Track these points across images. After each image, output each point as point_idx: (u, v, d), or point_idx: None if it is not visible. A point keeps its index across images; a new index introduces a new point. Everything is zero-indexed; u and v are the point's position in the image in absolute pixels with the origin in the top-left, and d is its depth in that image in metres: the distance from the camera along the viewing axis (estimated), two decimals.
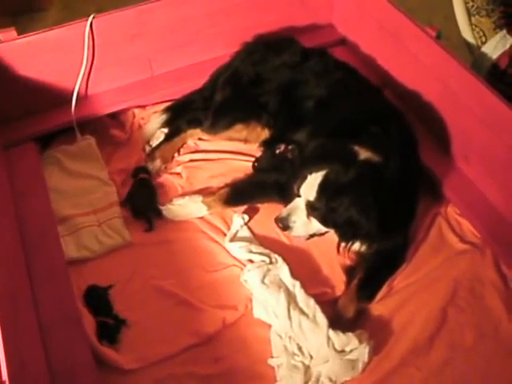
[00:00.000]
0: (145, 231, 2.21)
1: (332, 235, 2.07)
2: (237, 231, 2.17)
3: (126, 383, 1.81)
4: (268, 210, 2.26)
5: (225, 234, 2.18)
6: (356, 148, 1.92)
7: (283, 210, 1.99)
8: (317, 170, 1.88)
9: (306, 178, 1.91)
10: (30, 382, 1.59)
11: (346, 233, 1.96)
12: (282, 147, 2.35)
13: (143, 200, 2.28)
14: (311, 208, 1.92)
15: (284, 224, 1.97)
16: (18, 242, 2.01)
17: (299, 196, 1.95)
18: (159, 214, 2.24)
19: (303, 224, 1.96)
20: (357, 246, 2.03)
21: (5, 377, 1.41)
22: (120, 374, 1.81)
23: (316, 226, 1.96)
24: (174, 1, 2.46)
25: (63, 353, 1.76)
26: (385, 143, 1.97)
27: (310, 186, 1.89)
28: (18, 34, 2.23)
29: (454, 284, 2.06)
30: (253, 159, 2.42)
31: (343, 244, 1.99)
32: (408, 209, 2.07)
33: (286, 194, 2.13)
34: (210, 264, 2.12)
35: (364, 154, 1.90)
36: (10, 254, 1.93)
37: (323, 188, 1.87)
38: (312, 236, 2.04)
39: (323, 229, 1.98)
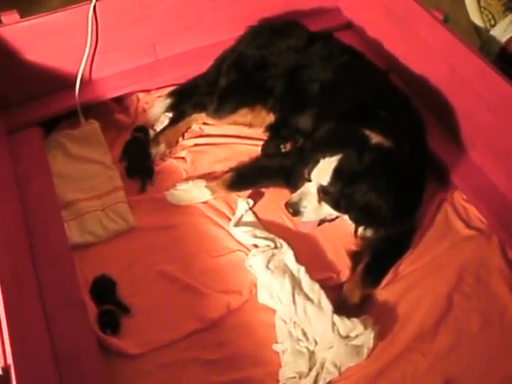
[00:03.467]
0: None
1: (338, 220, 2.07)
2: (241, 216, 2.16)
3: (130, 368, 1.81)
4: (273, 195, 2.25)
5: (229, 219, 2.17)
6: (367, 132, 1.89)
7: (293, 195, 1.96)
8: (330, 155, 1.85)
9: (318, 162, 1.88)
10: (35, 366, 1.59)
11: (362, 218, 1.94)
12: (288, 145, 2.35)
13: (136, 160, 2.32)
14: (324, 193, 1.89)
15: (294, 209, 1.94)
16: (22, 227, 2.01)
17: (309, 181, 1.93)
18: (151, 175, 2.28)
19: (314, 209, 1.93)
20: (367, 231, 2.03)
21: (10, 361, 1.41)
22: (124, 359, 1.82)
23: (327, 210, 1.93)
24: None
25: (67, 338, 1.76)
26: (394, 128, 1.95)
27: (323, 170, 1.86)
28: (21, 17, 2.21)
29: (459, 270, 2.05)
30: (258, 143, 2.40)
31: (356, 229, 1.98)
32: (415, 195, 2.05)
33: (291, 179, 2.13)
34: (214, 249, 2.11)
35: (375, 138, 1.88)
36: (13, 239, 1.93)
37: (338, 173, 1.84)
38: (321, 222, 2.02)
39: (334, 214, 1.96)
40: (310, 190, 1.92)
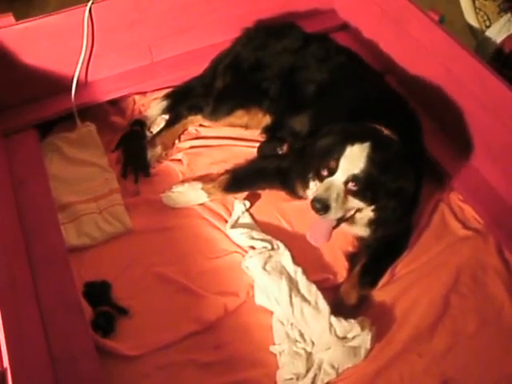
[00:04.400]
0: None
1: None
2: (238, 218, 2.16)
3: (128, 371, 1.80)
4: (269, 197, 2.25)
5: (226, 221, 2.17)
6: (376, 126, 1.88)
7: (317, 190, 1.83)
8: (359, 142, 1.79)
9: (343, 150, 1.79)
10: (31, 369, 1.59)
11: (389, 206, 1.87)
12: (285, 147, 2.34)
13: (131, 153, 2.34)
14: (355, 182, 1.78)
15: (323, 204, 1.77)
16: (18, 230, 2.00)
17: (329, 175, 1.81)
18: (146, 170, 2.31)
19: (342, 203, 1.80)
20: (363, 231, 2.02)
21: (6, 364, 1.41)
22: (121, 361, 1.81)
23: (352, 204, 1.83)
24: None
25: (64, 340, 1.76)
26: (392, 127, 1.93)
27: (354, 157, 1.78)
28: (16, 20, 2.21)
29: (456, 270, 2.05)
30: (254, 145, 2.40)
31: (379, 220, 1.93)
32: (413, 195, 2.04)
33: (287, 181, 2.13)
34: (211, 251, 2.11)
35: (385, 131, 1.88)
36: (10, 241, 1.93)
37: (372, 159, 1.78)
38: (337, 225, 1.89)
39: (361, 206, 1.85)
40: (335, 182, 1.80)
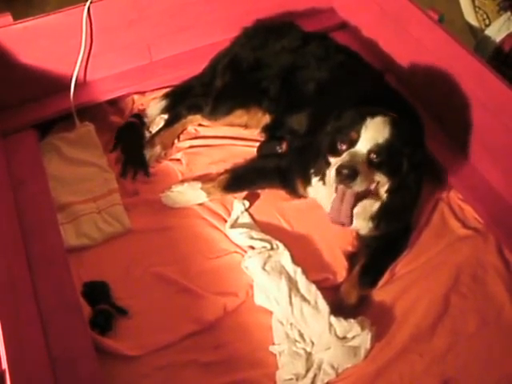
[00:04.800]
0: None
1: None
2: (237, 217, 2.15)
3: (127, 371, 1.80)
4: (269, 196, 2.25)
5: (225, 221, 2.17)
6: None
7: (340, 161, 1.77)
8: (379, 115, 1.80)
9: (363, 121, 1.78)
10: (30, 370, 1.58)
11: (410, 180, 1.86)
12: (284, 146, 2.34)
13: (129, 152, 2.37)
14: (380, 152, 1.76)
15: (351, 170, 1.72)
16: (18, 230, 2.00)
17: (349, 148, 1.79)
18: (146, 169, 2.32)
19: (366, 174, 1.76)
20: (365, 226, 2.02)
21: (4, 365, 1.40)
22: (120, 361, 1.81)
23: (374, 177, 1.80)
24: None
25: (63, 340, 1.75)
26: None
27: (377, 128, 1.77)
28: (14, 20, 2.21)
29: (456, 270, 2.04)
30: (254, 144, 2.40)
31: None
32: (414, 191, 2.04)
33: (287, 180, 2.12)
34: (210, 251, 2.11)
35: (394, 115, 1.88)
36: (9, 242, 1.93)
37: (396, 131, 1.77)
38: (360, 200, 1.84)
39: (383, 180, 1.82)
40: (358, 152, 1.77)
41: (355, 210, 1.86)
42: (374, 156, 1.78)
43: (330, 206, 1.89)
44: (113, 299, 1.95)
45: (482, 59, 2.15)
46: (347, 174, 1.72)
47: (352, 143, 1.79)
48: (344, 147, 1.81)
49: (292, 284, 1.94)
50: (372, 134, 1.77)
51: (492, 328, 1.91)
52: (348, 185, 1.76)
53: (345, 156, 1.78)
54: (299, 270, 1.98)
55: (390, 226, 2.01)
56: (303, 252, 2.08)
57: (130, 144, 2.40)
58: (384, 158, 1.78)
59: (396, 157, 1.80)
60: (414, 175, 1.87)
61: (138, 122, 2.47)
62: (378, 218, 1.96)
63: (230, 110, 2.38)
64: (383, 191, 1.89)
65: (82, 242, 2.10)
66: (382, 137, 1.77)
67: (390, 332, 1.89)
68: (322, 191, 2.04)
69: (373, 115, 1.80)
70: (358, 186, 1.77)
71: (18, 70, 2.31)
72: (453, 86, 2.25)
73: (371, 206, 1.92)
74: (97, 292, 1.95)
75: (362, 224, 2.01)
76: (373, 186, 1.84)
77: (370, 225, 2.00)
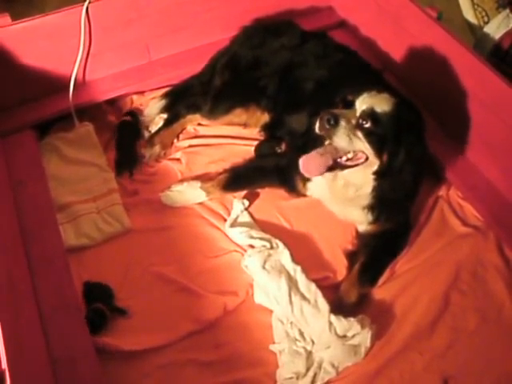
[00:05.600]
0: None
1: (333, 220, 2.06)
2: (237, 216, 2.15)
3: (127, 370, 1.80)
4: (268, 195, 2.24)
5: (225, 220, 2.17)
6: None
7: (330, 110, 1.79)
8: (380, 92, 1.82)
9: (368, 91, 1.82)
10: (30, 370, 1.59)
11: (405, 170, 1.84)
12: (283, 146, 2.34)
13: (121, 147, 2.38)
14: (373, 120, 1.76)
15: (335, 119, 1.74)
16: (17, 231, 2.00)
17: (347, 107, 1.82)
18: (132, 165, 2.33)
19: (350, 131, 1.76)
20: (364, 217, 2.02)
21: (4, 366, 1.40)
22: (121, 361, 1.81)
23: (358, 143, 1.79)
24: None
25: (63, 340, 1.75)
26: None
27: (380, 99, 1.80)
28: (14, 20, 2.20)
29: (456, 268, 2.04)
30: (253, 143, 2.40)
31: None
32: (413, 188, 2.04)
33: (286, 178, 2.12)
34: (210, 250, 2.11)
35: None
36: (8, 242, 1.93)
37: (400, 113, 1.78)
38: (335, 167, 1.85)
39: (363, 149, 1.81)
40: (350, 111, 1.80)
41: (330, 176, 1.91)
42: (365, 122, 1.78)
43: (304, 157, 1.87)
44: (113, 301, 1.94)
45: (481, 57, 2.15)
46: (328, 119, 1.74)
47: (348, 104, 1.81)
48: (340, 106, 1.83)
49: (292, 283, 1.94)
50: (370, 100, 1.79)
51: (492, 326, 1.91)
52: (328, 133, 1.77)
53: (336, 110, 1.80)
54: (299, 268, 1.98)
55: (388, 219, 2.00)
56: (303, 251, 2.07)
57: (122, 142, 2.41)
58: (375, 128, 1.78)
59: (390, 135, 1.78)
60: (410, 167, 1.84)
61: (131, 119, 2.46)
62: (374, 208, 1.96)
63: (229, 109, 2.38)
64: (370, 171, 1.86)
65: (82, 241, 2.10)
66: (381, 108, 1.78)
67: (390, 330, 1.90)
68: (321, 186, 2.04)
69: (381, 92, 1.82)
70: (339, 138, 1.77)
71: (16, 70, 2.30)
72: (452, 83, 2.25)
73: (361, 187, 1.92)
74: (96, 292, 1.95)
75: (359, 214, 2.01)
76: (360, 157, 1.83)
77: (369, 217, 2.00)
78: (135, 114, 2.49)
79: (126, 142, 2.41)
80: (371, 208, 1.97)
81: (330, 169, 1.84)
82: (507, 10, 2.51)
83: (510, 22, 2.49)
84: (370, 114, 1.78)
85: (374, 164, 1.84)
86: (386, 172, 1.84)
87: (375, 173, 1.86)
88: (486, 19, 2.58)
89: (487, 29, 2.57)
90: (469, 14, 2.63)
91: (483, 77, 2.09)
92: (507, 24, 2.49)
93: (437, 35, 2.25)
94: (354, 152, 1.82)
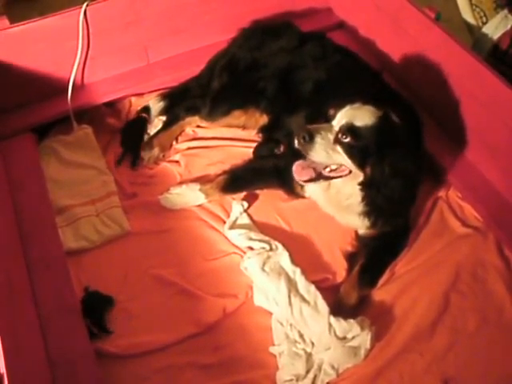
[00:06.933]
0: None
1: (332, 222, 2.06)
2: (236, 218, 2.15)
3: (126, 373, 1.80)
4: (267, 197, 2.24)
5: (224, 222, 2.16)
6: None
7: (309, 126, 1.82)
8: (373, 106, 1.79)
9: (352, 102, 1.80)
10: (29, 373, 1.58)
11: (390, 185, 1.82)
12: (282, 147, 2.33)
13: (130, 138, 2.41)
14: (352, 134, 1.76)
15: (310, 135, 1.76)
16: (16, 234, 2.00)
17: (328, 121, 1.82)
18: (137, 156, 2.36)
19: (327, 146, 1.78)
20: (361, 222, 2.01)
21: (2, 369, 1.40)
22: (120, 364, 1.81)
23: (337, 157, 1.80)
24: None
25: (62, 344, 1.75)
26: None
27: (361, 113, 1.78)
28: (13, 22, 2.21)
29: (456, 269, 2.04)
30: (251, 145, 2.40)
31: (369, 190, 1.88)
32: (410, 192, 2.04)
33: (285, 180, 2.12)
34: (209, 252, 2.10)
35: (393, 116, 1.85)
36: (7, 245, 1.93)
37: (383, 125, 1.76)
38: (318, 178, 1.88)
39: (344, 163, 1.82)
40: (329, 126, 1.80)
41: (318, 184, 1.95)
42: (344, 136, 1.78)
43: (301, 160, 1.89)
44: (104, 319, 1.91)
45: (480, 57, 2.14)
46: (303, 137, 1.76)
47: (329, 119, 1.81)
48: (322, 122, 1.84)
49: (291, 285, 1.94)
50: (352, 114, 1.78)
51: (492, 327, 1.90)
52: (305, 148, 1.79)
53: (314, 125, 1.81)
54: (298, 270, 1.97)
55: (386, 223, 2.00)
56: (302, 252, 2.07)
57: (131, 135, 2.43)
58: (355, 143, 1.77)
59: (372, 149, 1.78)
60: (397, 181, 1.82)
61: (147, 116, 2.49)
62: (369, 214, 1.96)
63: (227, 111, 2.38)
64: (356, 182, 1.87)
65: (81, 244, 2.09)
66: (362, 122, 1.77)
67: (390, 331, 1.89)
68: (317, 191, 2.05)
69: (366, 103, 1.80)
70: (314, 153, 1.79)
71: (15, 73, 2.30)
72: (451, 84, 2.25)
73: (351, 196, 1.93)
74: (93, 304, 1.93)
75: (356, 220, 2.01)
76: (344, 169, 1.84)
77: (366, 222, 2.00)
78: (148, 110, 2.50)
79: (136, 136, 2.43)
80: (366, 214, 1.97)
81: (315, 179, 1.87)
82: (505, 11, 2.51)
83: (508, 23, 2.48)
84: (348, 129, 1.78)
85: (359, 176, 1.85)
86: (371, 184, 1.85)
87: (361, 184, 1.87)
88: (484, 19, 2.58)
89: (485, 29, 2.57)
90: (467, 15, 2.63)
91: (482, 77, 2.08)
92: (505, 24, 2.49)
93: (435, 36, 2.25)
94: (337, 164, 1.84)
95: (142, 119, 2.48)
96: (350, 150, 1.79)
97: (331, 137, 1.79)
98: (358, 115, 1.78)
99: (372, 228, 2.02)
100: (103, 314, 1.91)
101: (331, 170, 1.86)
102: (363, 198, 1.91)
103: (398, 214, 2.00)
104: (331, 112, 1.82)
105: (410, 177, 1.83)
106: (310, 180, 1.89)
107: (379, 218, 1.98)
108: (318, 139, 1.77)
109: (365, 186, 1.86)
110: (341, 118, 1.80)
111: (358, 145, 1.78)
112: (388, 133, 1.78)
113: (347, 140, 1.78)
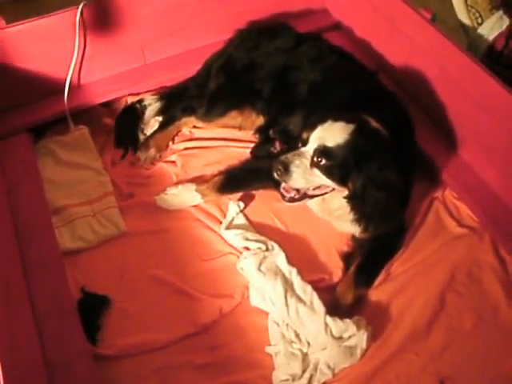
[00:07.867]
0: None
1: (328, 222, 2.07)
2: (232, 219, 2.15)
3: (123, 373, 1.80)
4: (263, 197, 2.25)
5: (220, 222, 2.16)
6: (366, 116, 1.87)
7: (284, 155, 1.85)
8: (342, 120, 1.79)
9: (323, 122, 1.81)
10: (25, 375, 1.58)
11: (375, 197, 1.83)
12: (278, 146, 2.33)
13: (125, 128, 2.44)
14: (326, 156, 1.78)
15: (285, 166, 1.80)
16: (12, 234, 2.00)
17: (303, 144, 1.85)
18: (135, 145, 2.39)
19: (304, 172, 1.81)
20: (354, 228, 2.02)
21: None
22: (117, 364, 1.81)
23: (317, 179, 1.84)
24: None
25: (59, 344, 1.75)
26: (384, 124, 1.92)
27: (332, 132, 1.78)
28: (10, 22, 2.20)
29: (452, 269, 2.05)
30: (248, 146, 2.40)
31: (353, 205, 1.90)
32: (404, 193, 2.04)
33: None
34: (206, 252, 2.10)
35: (374, 123, 1.86)
36: (4, 245, 1.92)
37: (354, 141, 1.77)
38: (303, 198, 1.93)
39: (325, 183, 1.86)
40: (303, 151, 1.83)
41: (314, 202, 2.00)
42: (319, 159, 1.80)
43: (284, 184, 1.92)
44: (98, 321, 1.91)
45: (475, 58, 2.15)
46: (279, 169, 1.81)
47: (304, 143, 1.83)
48: (299, 146, 1.85)
49: (287, 285, 1.94)
50: (322, 137, 1.80)
51: (488, 326, 1.91)
52: (283, 178, 1.84)
53: (289, 154, 1.83)
54: (294, 270, 1.98)
55: (380, 226, 2.00)
56: (298, 252, 2.07)
57: (124, 125, 2.45)
58: (331, 163, 1.80)
59: (349, 165, 1.79)
60: (380, 194, 1.83)
61: (138, 105, 2.49)
62: (360, 221, 1.97)
63: (224, 112, 2.37)
64: (342, 195, 1.90)
65: (78, 244, 2.09)
66: (334, 141, 1.78)
67: (386, 331, 1.89)
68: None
69: (337, 119, 1.81)
70: (293, 182, 1.84)
71: (11, 73, 2.30)
72: (446, 85, 2.26)
73: (340, 208, 1.96)
74: (89, 306, 1.93)
75: (349, 226, 2.02)
76: (328, 187, 1.88)
77: (358, 228, 2.01)
78: (141, 102, 2.51)
79: (130, 123, 2.46)
80: (357, 221, 1.98)
81: (299, 199, 1.93)
82: (500, 12, 2.52)
83: (504, 24, 2.49)
84: (321, 152, 1.80)
85: (344, 190, 1.88)
86: (355, 197, 1.87)
87: (346, 197, 1.89)
88: (479, 20, 2.58)
89: (481, 30, 2.57)
90: (462, 16, 2.64)
91: (477, 78, 2.09)
92: (501, 25, 2.50)
93: (431, 36, 2.25)
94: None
95: (132, 107, 2.50)
96: (327, 171, 1.82)
97: (307, 162, 1.82)
98: (328, 136, 1.80)
99: (365, 232, 2.03)
100: (100, 316, 1.92)
101: (315, 188, 1.90)
102: (351, 209, 1.93)
103: (390, 218, 2.00)
104: (304, 136, 1.84)
105: (391, 186, 1.83)
106: (295, 200, 1.93)
107: (370, 224, 1.99)
108: (294, 168, 1.81)
109: (350, 198, 1.89)
110: (314, 140, 1.82)
111: (333, 164, 1.80)
112: (362, 146, 1.79)
113: (323, 162, 1.81)
